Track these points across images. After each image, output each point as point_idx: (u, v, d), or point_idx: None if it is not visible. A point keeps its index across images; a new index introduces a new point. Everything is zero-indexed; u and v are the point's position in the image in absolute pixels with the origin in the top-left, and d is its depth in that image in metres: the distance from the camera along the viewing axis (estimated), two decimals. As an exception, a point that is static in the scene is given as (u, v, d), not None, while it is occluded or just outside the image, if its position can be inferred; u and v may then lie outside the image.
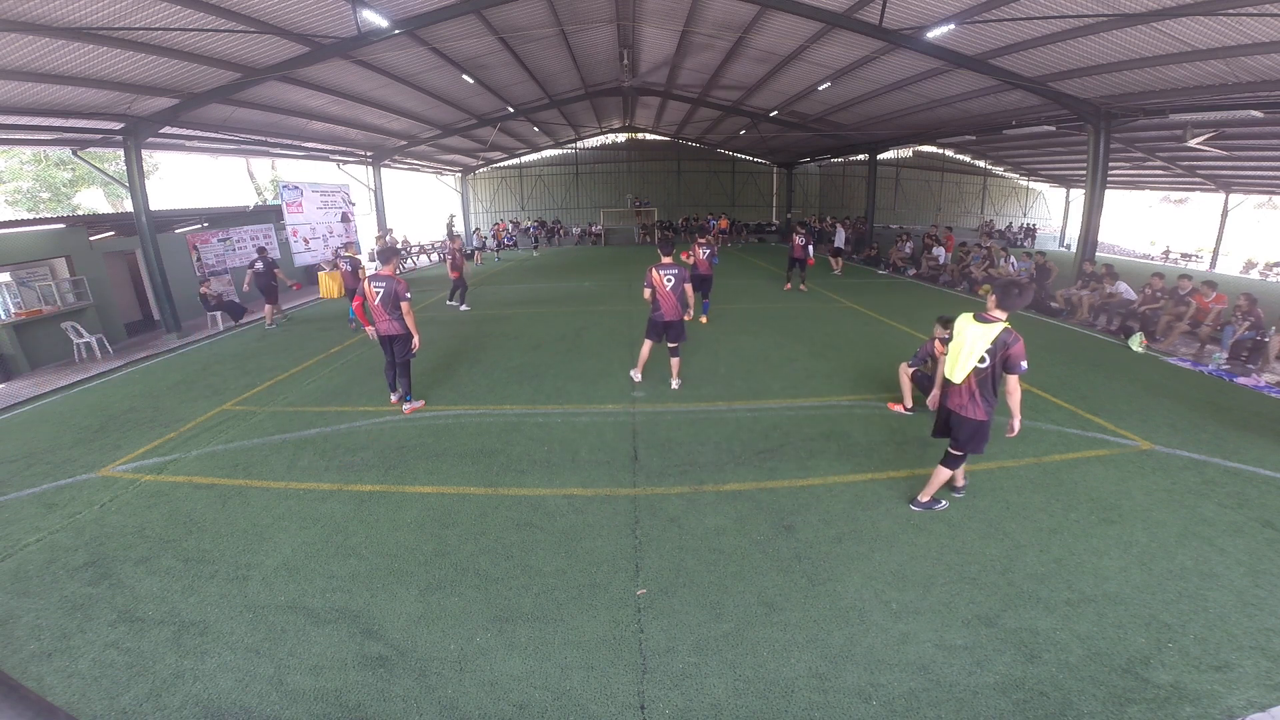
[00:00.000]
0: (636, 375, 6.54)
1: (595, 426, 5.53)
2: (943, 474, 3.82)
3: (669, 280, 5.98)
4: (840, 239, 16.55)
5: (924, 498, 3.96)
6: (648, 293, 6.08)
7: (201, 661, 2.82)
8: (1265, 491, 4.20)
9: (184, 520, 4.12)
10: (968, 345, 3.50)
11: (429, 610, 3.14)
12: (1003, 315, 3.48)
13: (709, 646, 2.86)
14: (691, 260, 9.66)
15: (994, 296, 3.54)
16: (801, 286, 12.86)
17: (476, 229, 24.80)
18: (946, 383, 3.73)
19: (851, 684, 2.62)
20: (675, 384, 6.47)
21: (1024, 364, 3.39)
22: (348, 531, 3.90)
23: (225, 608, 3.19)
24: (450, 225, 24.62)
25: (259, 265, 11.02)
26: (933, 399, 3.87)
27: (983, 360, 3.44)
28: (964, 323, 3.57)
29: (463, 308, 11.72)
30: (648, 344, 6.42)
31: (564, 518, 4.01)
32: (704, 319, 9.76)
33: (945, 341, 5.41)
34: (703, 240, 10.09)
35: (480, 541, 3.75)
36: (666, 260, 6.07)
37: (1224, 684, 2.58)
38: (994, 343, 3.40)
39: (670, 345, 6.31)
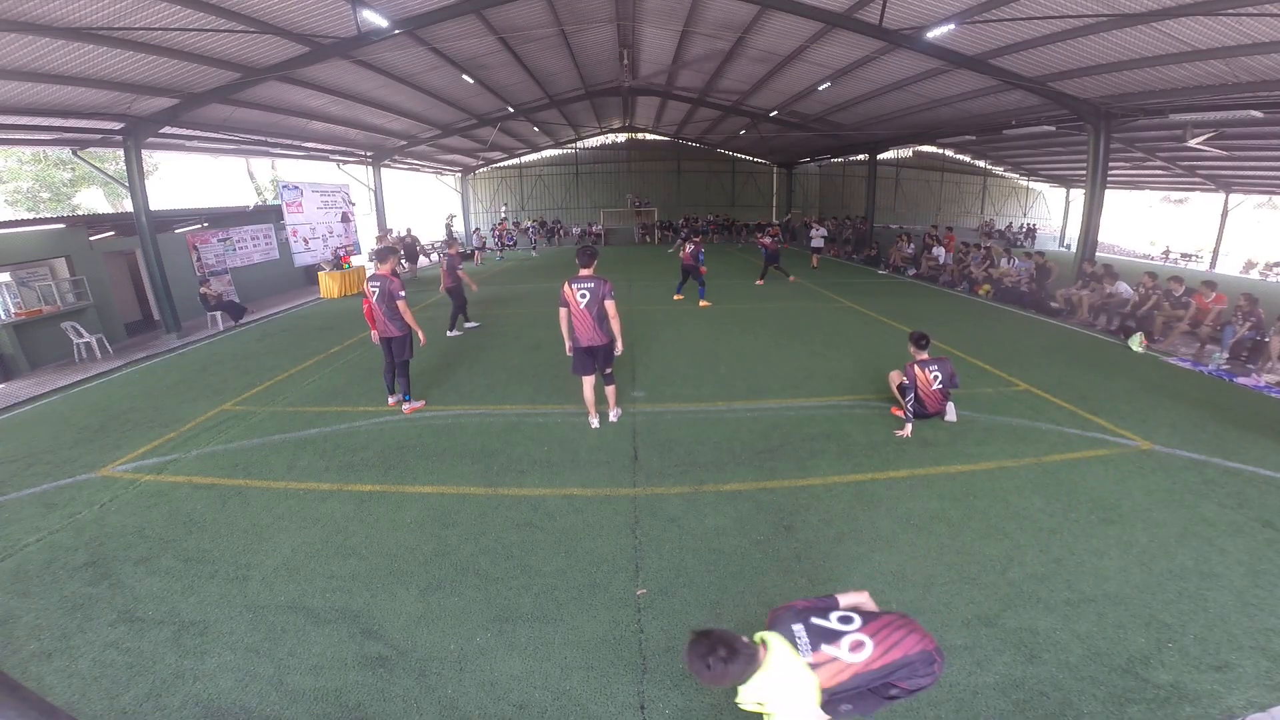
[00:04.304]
0: (593, 421, 5.44)
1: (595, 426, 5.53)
2: None
3: (583, 296, 4.93)
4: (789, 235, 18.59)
5: None
6: (564, 313, 5.02)
7: (201, 661, 2.82)
8: (1265, 491, 4.20)
9: (184, 520, 4.12)
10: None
11: (429, 610, 3.14)
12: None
13: (709, 646, 2.86)
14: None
15: None
16: (791, 278, 13.94)
17: (476, 229, 24.79)
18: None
19: (851, 684, 2.62)
20: (614, 415, 5.56)
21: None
22: (348, 531, 3.91)
23: (225, 608, 3.20)
24: (449, 225, 24.58)
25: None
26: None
27: None
28: None
29: (468, 325, 9.82)
30: (584, 380, 5.27)
31: (564, 518, 4.01)
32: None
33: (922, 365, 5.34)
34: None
35: (480, 541, 3.76)
36: (585, 272, 5.03)
37: (1224, 684, 2.58)
38: None
39: (604, 372, 5.33)
